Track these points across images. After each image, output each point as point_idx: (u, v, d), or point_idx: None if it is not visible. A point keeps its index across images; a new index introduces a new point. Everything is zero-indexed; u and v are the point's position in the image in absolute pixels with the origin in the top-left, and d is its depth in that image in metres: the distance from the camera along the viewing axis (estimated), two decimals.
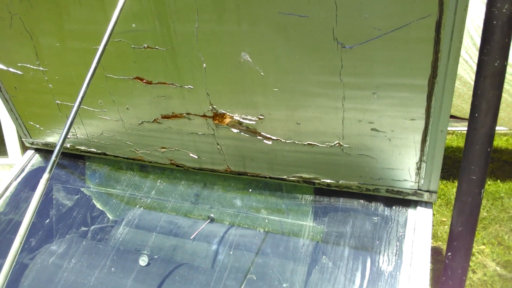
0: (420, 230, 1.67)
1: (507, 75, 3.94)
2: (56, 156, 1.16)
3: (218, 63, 1.69)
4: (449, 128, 7.36)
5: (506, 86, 4.01)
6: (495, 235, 3.72)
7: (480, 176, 1.56)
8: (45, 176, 1.13)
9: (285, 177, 1.95)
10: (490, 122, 1.51)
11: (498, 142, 6.47)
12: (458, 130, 7.21)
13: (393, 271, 1.59)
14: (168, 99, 1.89)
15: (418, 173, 1.68)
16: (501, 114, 4.18)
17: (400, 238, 1.68)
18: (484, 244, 3.62)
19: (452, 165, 5.57)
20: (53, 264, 1.96)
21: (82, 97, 1.36)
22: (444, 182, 4.90)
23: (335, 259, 1.76)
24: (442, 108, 1.48)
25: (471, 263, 3.32)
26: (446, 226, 3.99)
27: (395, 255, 1.64)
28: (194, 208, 2.15)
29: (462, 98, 4.32)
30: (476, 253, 3.44)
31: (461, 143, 6.59)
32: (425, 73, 1.42)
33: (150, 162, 2.24)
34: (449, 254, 1.67)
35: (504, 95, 4.07)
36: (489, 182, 4.77)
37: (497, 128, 6.54)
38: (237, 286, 1.81)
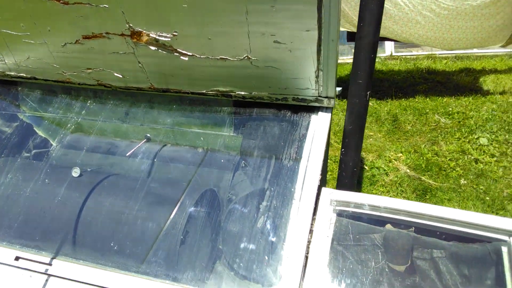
0: (318, 131, 1.91)
1: None
2: None
3: None
4: (394, 54, 7.68)
5: (433, 6, 4.22)
6: (413, 145, 4.11)
7: (366, 79, 1.78)
8: None
9: (204, 91, 2.11)
10: (373, 31, 1.70)
11: (437, 65, 6.83)
12: (403, 55, 7.52)
13: (293, 165, 1.84)
14: (86, 19, 1.96)
15: (317, 81, 1.88)
16: (429, 34, 4.43)
17: (301, 138, 1.91)
18: (401, 152, 4.00)
19: (389, 87, 5.89)
20: None
21: None
22: (378, 102, 5.22)
23: (250, 161, 1.99)
24: (331, 19, 1.64)
25: (386, 168, 3.70)
26: (371, 139, 4.36)
27: (296, 153, 1.88)
28: (124, 125, 2.30)
29: (393, 19, 4.51)
30: (393, 160, 3.82)
31: (402, 67, 6.91)
32: None
33: (79, 84, 2.33)
34: (343, 150, 1.93)
35: (430, 15, 4.28)
36: (417, 100, 5.13)
37: (438, 52, 6.79)
38: (165, 192, 2.03)
